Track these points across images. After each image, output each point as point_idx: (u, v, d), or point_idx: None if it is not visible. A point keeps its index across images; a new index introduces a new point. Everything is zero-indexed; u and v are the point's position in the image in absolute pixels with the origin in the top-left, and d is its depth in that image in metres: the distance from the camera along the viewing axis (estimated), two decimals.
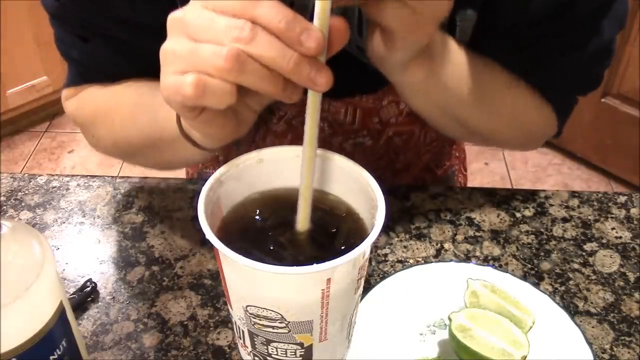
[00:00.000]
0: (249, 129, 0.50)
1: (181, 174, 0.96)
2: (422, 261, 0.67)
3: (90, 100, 0.69)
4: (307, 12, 0.48)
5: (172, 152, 0.62)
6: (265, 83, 0.41)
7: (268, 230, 0.49)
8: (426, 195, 0.75)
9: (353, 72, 0.60)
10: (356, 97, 0.70)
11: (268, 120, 0.72)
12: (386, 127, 0.75)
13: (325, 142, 0.74)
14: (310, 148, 0.45)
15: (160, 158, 0.66)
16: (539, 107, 0.68)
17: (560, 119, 0.70)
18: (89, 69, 0.68)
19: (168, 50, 0.43)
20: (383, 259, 0.67)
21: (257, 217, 0.50)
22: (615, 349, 0.59)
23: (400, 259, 0.67)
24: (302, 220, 0.48)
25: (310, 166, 0.46)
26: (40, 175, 0.77)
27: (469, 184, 0.97)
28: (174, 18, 0.43)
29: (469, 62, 0.59)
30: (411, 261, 0.67)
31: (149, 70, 0.61)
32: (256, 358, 0.50)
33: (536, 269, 0.66)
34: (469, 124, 0.65)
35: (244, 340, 0.49)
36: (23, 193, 0.74)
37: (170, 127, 0.55)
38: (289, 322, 0.45)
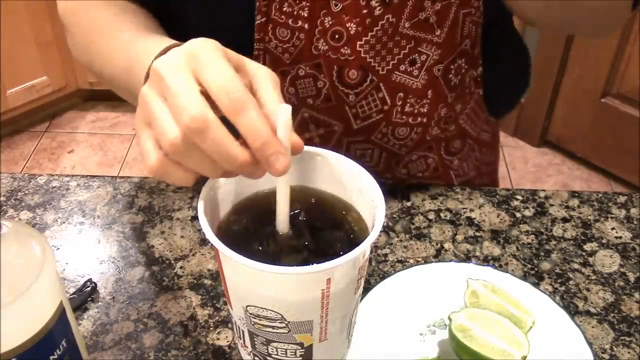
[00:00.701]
0: None
1: None
2: (422, 261, 0.67)
3: (83, 9, 0.69)
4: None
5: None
6: (205, 170, 0.43)
7: (268, 230, 0.49)
8: (426, 195, 0.75)
9: None
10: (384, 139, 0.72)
11: None
12: (412, 178, 0.78)
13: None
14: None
15: (131, 100, 0.65)
16: None
17: None
18: None
19: (144, 95, 0.44)
20: (383, 259, 0.67)
21: (257, 217, 0.50)
22: (615, 349, 0.59)
23: (400, 259, 0.67)
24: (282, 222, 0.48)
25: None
26: (40, 175, 0.77)
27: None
28: (156, 67, 0.43)
29: None
30: (411, 261, 0.67)
31: None
32: (256, 358, 0.50)
33: (536, 269, 0.66)
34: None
35: (244, 340, 0.49)
36: (23, 193, 0.74)
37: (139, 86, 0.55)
38: (289, 322, 0.45)
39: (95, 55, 0.67)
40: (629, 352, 0.58)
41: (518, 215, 0.73)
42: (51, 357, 0.43)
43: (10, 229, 0.43)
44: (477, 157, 0.81)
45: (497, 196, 0.75)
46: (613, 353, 0.58)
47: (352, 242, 0.47)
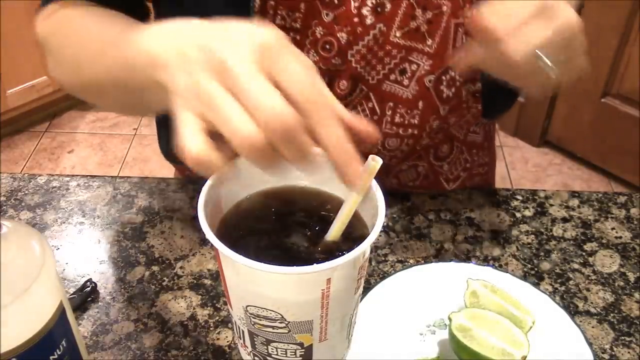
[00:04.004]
0: None
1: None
2: (422, 261, 0.67)
3: (64, 23, 0.66)
4: None
5: (137, 95, 0.57)
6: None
7: (268, 230, 0.49)
8: (426, 196, 0.75)
9: None
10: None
11: None
12: (404, 187, 0.77)
13: None
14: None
15: (122, 99, 0.62)
16: None
17: None
18: None
19: (200, 85, 0.40)
20: (383, 259, 0.67)
21: (257, 217, 0.50)
22: (615, 349, 0.59)
23: (400, 259, 0.67)
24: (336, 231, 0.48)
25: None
26: (40, 175, 0.77)
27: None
28: (224, 64, 0.40)
29: None
30: (411, 261, 0.67)
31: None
32: (256, 358, 0.50)
33: (536, 269, 0.66)
34: None
35: (244, 340, 0.49)
36: (23, 193, 0.74)
37: (140, 73, 0.51)
38: (289, 322, 0.45)
39: (83, 62, 0.63)
40: (629, 352, 0.58)
41: (518, 215, 0.73)
42: (51, 357, 0.43)
43: (10, 229, 0.43)
44: (466, 159, 0.80)
45: (497, 196, 0.75)
46: (613, 353, 0.58)
47: (352, 242, 0.46)
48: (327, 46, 0.64)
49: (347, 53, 0.65)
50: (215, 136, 0.41)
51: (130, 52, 0.52)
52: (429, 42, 0.66)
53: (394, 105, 0.69)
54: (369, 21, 0.64)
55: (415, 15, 0.64)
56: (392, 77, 0.67)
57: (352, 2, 0.63)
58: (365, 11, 0.63)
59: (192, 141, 0.40)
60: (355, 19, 0.63)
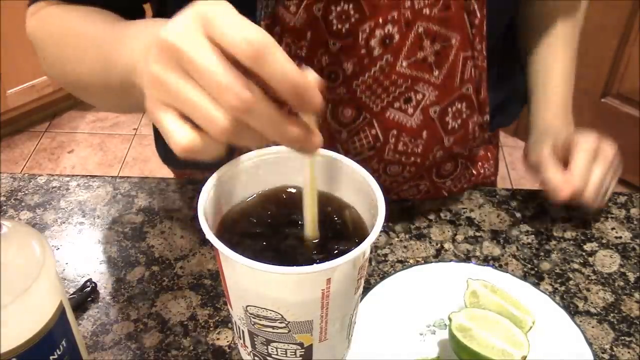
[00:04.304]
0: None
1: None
2: (422, 261, 0.67)
3: (48, 21, 0.66)
4: None
5: (120, 97, 0.58)
6: (255, 144, 0.42)
7: (268, 230, 0.49)
8: None
9: None
10: None
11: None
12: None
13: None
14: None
15: (109, 100, 0.63)
16: None
17: None
18: None
19: (159, 78, 0.40)
20: (383, 259, 0.67)
21: (257, 217, 0.50)
22: (615, 349, 0.59)
23: (400, 259, 0.67)
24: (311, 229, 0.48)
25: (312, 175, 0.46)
26: (40, 175, 0.77)
27: None
28: (166, 42, 0.40)
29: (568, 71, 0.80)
30: (411, 261, 0.67)
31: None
32: (256, 358, 0.50)
33: (536, 269, 0.66)
34: None
35: (244, 340, 0.49)
36: (23, 193, 0.74)
37: (119, 75, 0.52)
38: (289, 322, 0.45)
39: (66, 60, 0.63)
40: (629, 352, 0.58)
41: (518, 215, 0.73)
42: (51, 357, 0.43)
43: (10, 229, 0.43)
44: (471, 172, 0.79)
45: (497, 196, 0.75)
46: (613, 353, 0.58)
47: (352, 242, 0.46)
48: (332, 75, 0.63)
49: (352, 83, 0.64)
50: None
51: (111, 54, 0.53)
52: (436, 72, 0.64)
53: (397, 133, 0.67)
54: (376, 52, 0.62)
55: (423, 46, 0.63)
56: (397, 104, 0.66)
57: (361, 33, 0.61)
58: (373, 42, 0.62)
59: (177, 134, 0.40)
60: (363, 51, 0.62)
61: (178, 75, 0.40)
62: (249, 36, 0.38)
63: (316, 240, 0.48)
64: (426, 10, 0.61)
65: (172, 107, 0.41)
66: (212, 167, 0.48)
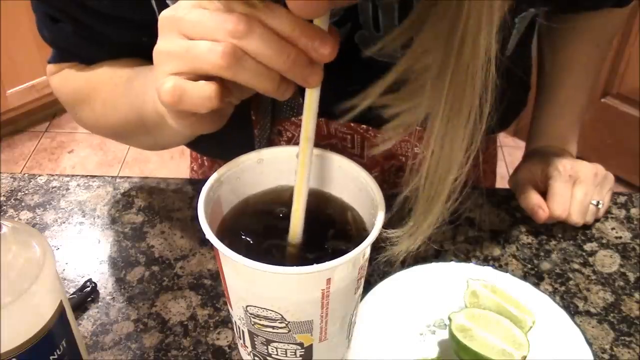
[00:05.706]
0: (226, 121, 0.50)
1: (182, 174, 0.96)
2: (422, 261, 0.67)
3: (72, 81, 0.67)
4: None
5: (155, 134, 0.60)
6: (261, 81, 0.41)
7: (268, 230, 0.49)
8: None
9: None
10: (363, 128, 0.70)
11: (275, 142, 0.71)
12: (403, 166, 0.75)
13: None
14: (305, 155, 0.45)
15: (145, 140, 0.65)
16: (614, 18, 0.79)
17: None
18: (60, 49, 0.67)
19: (162, 50, 0.42)
20: (383, 259, 0.67)
21: (257, 217, 0.50)
22: (615, 349, 0.59)
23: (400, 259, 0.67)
24: (294, 233, 0.48)
25: (305, 173, 0.46)
26: (40, 175, 0.77)
27: None
28: (166, 17, 0.42)
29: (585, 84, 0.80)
30: (411, 261, 0.67)
31: (119, 55, 0.61)
32: (256, 358, 0.50)
33: (536, 269, 0.66)
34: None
35: (244, 340, 0.49)
36: (23, 193, 0.74)
37: (149, 113, 0.54)
38: (289, 322, 0.45)
39: (99, 114, 0.65)
40: (629, 352, 0.58)
41: (518, 215, 0.73)
42: (51, 357, 0.43)
43: (10, 229, 0.43)
44: (467, 184, 0.79)
45: (497, 196, 0.75)
46: (613, 353, 0.58)
47: (352, 242, 0.47)
48: None
49: None
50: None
51: (142, 95, 0.55)
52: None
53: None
54: None
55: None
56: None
57: None
58: None
59: (164, 82, 0.41)
60: None
61: (178, 39, 0.41)
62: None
63: (298, 242, 0.47)
64: None
65: (179, 72, 0.42)
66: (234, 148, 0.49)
